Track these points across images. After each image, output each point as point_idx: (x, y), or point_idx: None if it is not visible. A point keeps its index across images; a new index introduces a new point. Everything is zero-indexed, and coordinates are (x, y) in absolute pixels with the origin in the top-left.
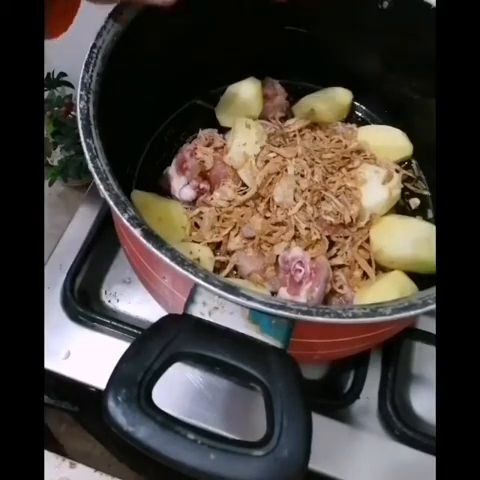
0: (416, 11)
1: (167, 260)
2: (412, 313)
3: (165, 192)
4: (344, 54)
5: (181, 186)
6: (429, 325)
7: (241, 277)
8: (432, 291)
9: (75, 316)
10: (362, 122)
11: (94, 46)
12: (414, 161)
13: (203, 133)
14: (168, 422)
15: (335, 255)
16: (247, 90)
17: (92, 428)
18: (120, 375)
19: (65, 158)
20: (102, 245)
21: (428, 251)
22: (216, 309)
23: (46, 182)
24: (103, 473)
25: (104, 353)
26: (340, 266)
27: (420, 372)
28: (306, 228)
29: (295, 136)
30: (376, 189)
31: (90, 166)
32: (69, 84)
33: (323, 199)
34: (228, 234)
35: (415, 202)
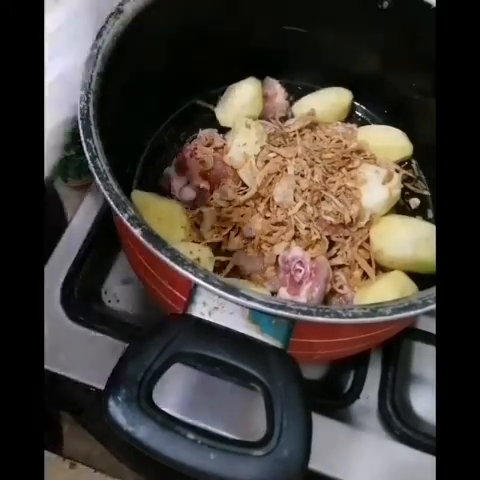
0: (416, 11)
1: (167, 260)
2: (412, 313)
3: (165, 192)
4: (344, 54)
5: (181, 186)
6: (429, 325)
7: (241, 277)
8: (432, 291)
9: (75, 316)
10: (362, 122)
11: (94, 46)
12: (414, 161)
13: (203, 133)
14: (168, 422)
15: (335, 255)
16: (247, 90)
17: (92, 428)
18: (120, 375)
19: (65, 158)
20: (102, 245)
21: (428, 251)
22: (216, 309)
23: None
24: (103, 473)
25: (104, 353)
26: (340, 266)
27: (420, 372)
28: (306, 228)
29: (295, 136)
30: (376, 189)
31: (90, 166)
32: None
33: (323, 199)
34: (228, 234)
35: (415, 202)
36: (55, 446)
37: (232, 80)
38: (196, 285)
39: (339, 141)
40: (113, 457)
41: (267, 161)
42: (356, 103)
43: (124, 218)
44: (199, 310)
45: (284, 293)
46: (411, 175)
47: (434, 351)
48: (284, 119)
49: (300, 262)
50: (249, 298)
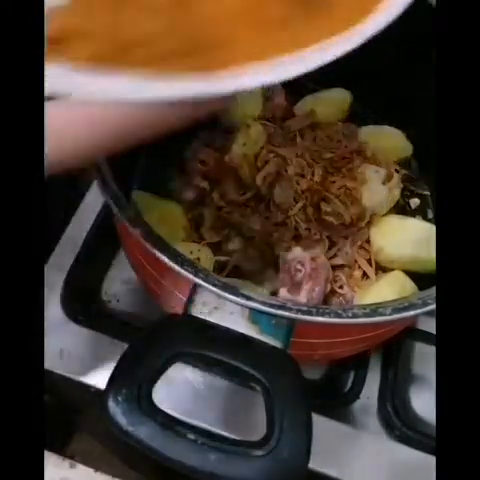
0: (416, 11)
1: (167, 260)
2: (412, 313)
3: (165, 192)
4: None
5: (181, 186)
6: (429, 325)
7: (241, 277)
8: (432, 291)
9: (75, 316)
10: (362, 122)
11: None
12: (414, 161)
13: (203, 133)
14: (168, 422)
15: (335, 255)
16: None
17: (92, 428)
18: (120, 375)
19: None
20: (102, 245)
21: (428, 251)
22: (216, 309)
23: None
24: (103, 473)
25: (104, 353)
26: (340, 266)
27: (420, 372)
28: (306, 228)
29: (295, 136)
30: (376, 189)
31: None
32: None
33: (323, 199)
34: (228, 234)
35: (415, 202)
36: (55, 446)
37: None
38: (196, 285)
39: (339, 141)
40: (113, 457)
41: (267, 161)
42: (356, 103)
43: (124, 218)
44: (199, 310)
45: (284, 293)
46: (411, 175)
47: (434, 351)
48: (284, 119)
49: (300, 262)
50: (249, 298)
